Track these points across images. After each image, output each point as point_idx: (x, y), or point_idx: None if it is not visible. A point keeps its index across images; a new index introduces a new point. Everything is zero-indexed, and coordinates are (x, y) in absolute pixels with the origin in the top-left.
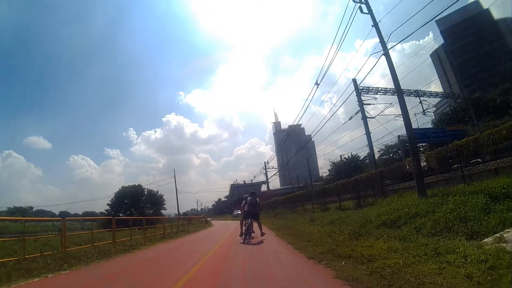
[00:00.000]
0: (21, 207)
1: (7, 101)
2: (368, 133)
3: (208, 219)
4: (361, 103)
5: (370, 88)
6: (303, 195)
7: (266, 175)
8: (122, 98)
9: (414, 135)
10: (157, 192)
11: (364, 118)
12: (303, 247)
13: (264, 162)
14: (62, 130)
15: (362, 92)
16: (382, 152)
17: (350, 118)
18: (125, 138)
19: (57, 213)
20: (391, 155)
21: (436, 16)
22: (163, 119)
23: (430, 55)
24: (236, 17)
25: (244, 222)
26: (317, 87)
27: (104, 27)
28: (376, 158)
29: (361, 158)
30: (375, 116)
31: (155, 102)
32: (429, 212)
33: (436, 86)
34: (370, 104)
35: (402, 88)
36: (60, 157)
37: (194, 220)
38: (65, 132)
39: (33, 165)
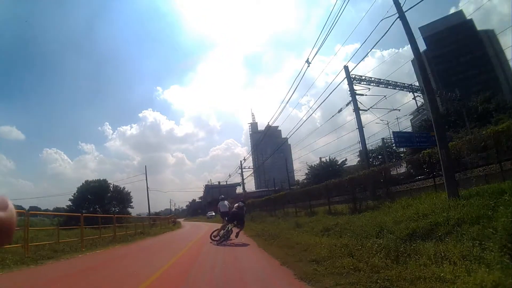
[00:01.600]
0: None
1: None
2: (360, 127)
3: (180, 220)
4: (353, 93)
5: (363, 77)
6: (283, 197)
7: (242, 175)
8: (99, 91)
9: (440, 121)
10: (124, 188)
11: (356, 110)
12: (314, 277)
13: (240, 160)
14: (36, 121)
15: (354, 82)
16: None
17: (340, 111)
18: (101, 132)
19: (27, 207)
20: (371, 160)
21: None
22: (140, 115)
23: (411, 61)
24: (219, 15)
25: (227, 226)
26: (308, 66)
27: (83, 18)
28: (355, 163)
29: (339, 162)
30: (368, 109)
31: (132, 96)
32: (482, 218)
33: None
34: (362, 95)
35: (394, 81)
36: (34, 149)
37: (159, 221)
38: (40, 123)
39: (4, 156)
